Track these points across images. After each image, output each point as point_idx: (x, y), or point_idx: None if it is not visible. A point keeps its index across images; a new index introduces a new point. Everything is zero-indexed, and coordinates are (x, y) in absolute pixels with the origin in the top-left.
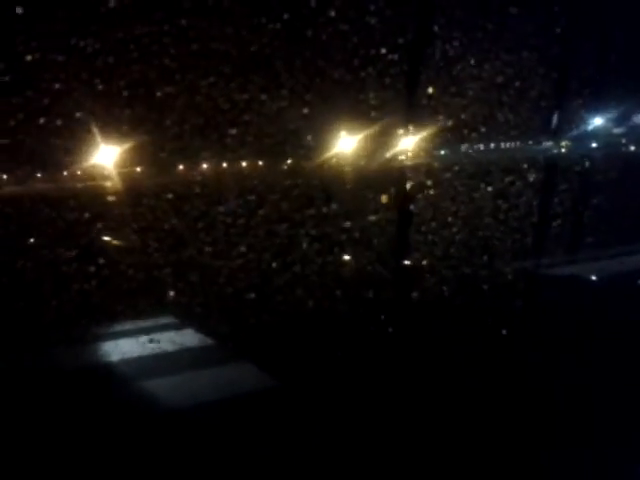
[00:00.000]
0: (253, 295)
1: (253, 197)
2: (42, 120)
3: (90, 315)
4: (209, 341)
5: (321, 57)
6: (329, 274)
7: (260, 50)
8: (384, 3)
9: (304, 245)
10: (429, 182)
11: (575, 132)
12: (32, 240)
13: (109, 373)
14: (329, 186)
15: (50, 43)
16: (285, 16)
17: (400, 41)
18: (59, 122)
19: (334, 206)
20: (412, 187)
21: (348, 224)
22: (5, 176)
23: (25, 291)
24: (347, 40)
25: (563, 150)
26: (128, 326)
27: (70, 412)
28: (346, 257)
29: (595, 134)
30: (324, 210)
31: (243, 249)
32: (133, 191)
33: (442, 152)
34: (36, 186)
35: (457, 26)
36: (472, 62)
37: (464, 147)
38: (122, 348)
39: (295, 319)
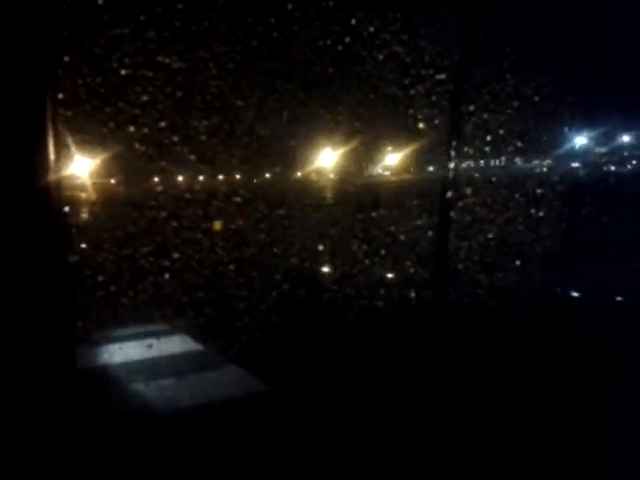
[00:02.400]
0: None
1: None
2: (131, 128)
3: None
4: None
5: (376, 76)
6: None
7: (323, 70)
8: (434, 29)
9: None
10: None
11: (560, 151)
12: None
13: (103, 374)
14: (378, 192)
15: (140, 60)
16: (347, 39)
17: (447, 63)
18: (145, 130)
19: (382, 211)
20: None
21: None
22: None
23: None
24: (400, 61)
25: (545, 169)
26: (127, 331)
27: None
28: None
29: (578, 153)
30: (373, 214)
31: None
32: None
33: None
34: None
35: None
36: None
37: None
38: (119, 351)
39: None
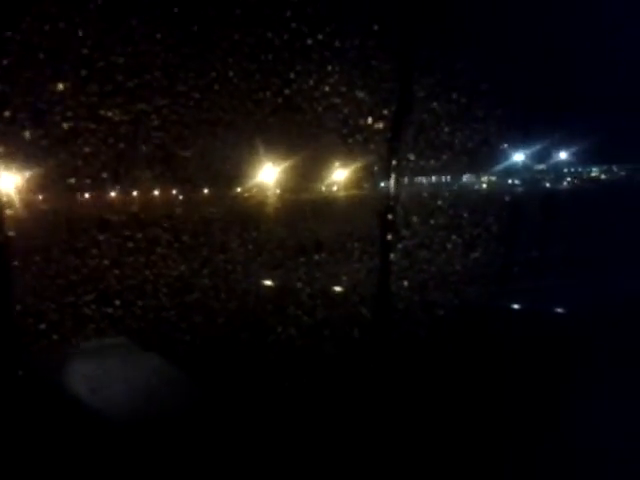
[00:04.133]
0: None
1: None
2: (72, 180)
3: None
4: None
5: (316, 126)
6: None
7: (263, 119)
8: (371, 80)
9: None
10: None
11: (498, 168)
12: None
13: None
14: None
15: (82, 114)
16: (286, 91)
17: (384, 112)
18: (88, 181)
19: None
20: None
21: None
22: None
23: None
24: (338, 111)
25: (484, 185)
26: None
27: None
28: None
29: (516, 170)
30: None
31: None
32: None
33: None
34: None
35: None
36: (444, 127)
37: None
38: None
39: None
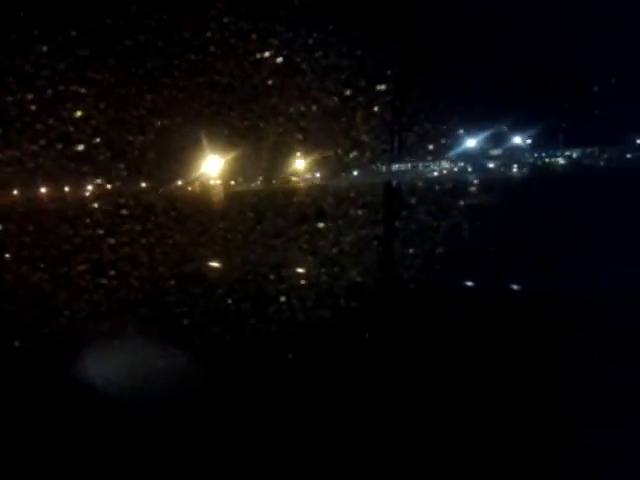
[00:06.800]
0: None
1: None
2: (60, 145)
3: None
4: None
5: (316, 88)
6: None
7: (261, 82)
8: (373, 41)
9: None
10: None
11: (453, 153)
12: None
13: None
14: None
15: (70, 77)
16: (285, 52)
17: (388, 73)
18: (79, 147)
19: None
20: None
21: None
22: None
23: None
24: (340, 72)
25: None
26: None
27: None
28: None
29: (472, 155)
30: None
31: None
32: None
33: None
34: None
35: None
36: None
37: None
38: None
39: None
